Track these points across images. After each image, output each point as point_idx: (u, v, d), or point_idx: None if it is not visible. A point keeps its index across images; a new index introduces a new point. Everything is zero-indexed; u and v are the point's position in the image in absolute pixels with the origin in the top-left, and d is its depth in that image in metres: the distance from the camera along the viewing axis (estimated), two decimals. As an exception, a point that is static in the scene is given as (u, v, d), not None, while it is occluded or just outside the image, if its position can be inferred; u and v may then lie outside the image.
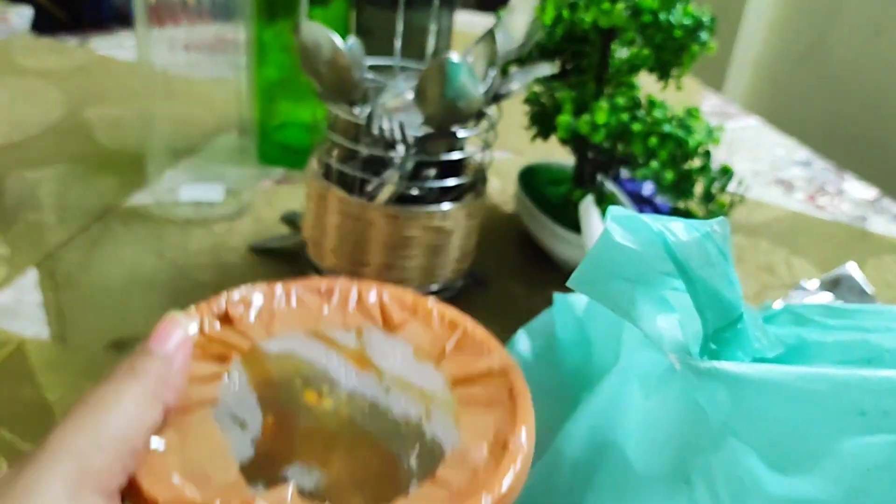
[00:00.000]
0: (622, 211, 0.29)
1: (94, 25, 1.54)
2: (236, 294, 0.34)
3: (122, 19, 1.59)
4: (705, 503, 0.35)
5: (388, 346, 0.33)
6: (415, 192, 0.65)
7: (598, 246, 0.29)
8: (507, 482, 0.27)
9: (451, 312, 0.35)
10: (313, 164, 0.67)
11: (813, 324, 0.38)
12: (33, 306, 0.64)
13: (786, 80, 2.12)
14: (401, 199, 0.63)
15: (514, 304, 0.71)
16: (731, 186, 0.66)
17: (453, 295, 0.69)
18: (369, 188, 0.64)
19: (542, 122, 0.70)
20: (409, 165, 0.63)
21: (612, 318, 0.39)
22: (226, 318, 0.33)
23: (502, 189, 0.89)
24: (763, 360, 0.31)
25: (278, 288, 0.35)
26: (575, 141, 0.69)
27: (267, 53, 0.84)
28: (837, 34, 1.95)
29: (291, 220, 0.78)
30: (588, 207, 0.60)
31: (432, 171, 0.66)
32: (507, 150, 0.96)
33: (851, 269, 0.70)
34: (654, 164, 0.61)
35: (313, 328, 0.33)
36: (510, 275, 0.74)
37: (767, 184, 0.96)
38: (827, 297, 0.68)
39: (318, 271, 0.68)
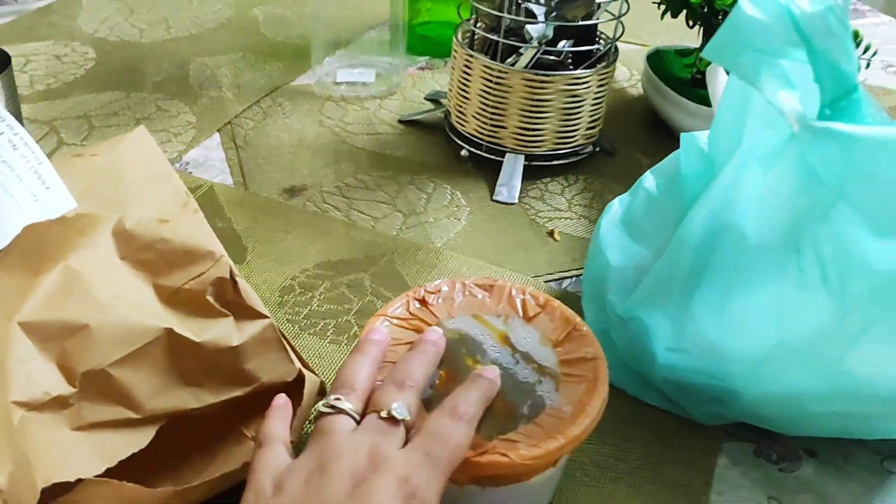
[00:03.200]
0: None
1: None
2: (431, 285, 0.47)
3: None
4: (812, 271, 0.40)
5: (523, 331, 0.45)
6: (552, 59, 0.71)
7: (730, 20, 0.35)
8: (578, 430, 0.39)
9: (568, 311, 0.46)
10: (459, 36, 0.74)
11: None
12: (218, 161, 0.75)
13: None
14: (539, 65, 0.70)
15: (639, 171, 0.75)
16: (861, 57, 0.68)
17: (582, 160, 0.76)
18: (510, 58, 0.71)
19: (673, -2, 0.74)
20: (549, 31, 0.69)
21: (735, 124, 0.45)
22: (423, 302, 0.47)
23: (630, 76, 0.93)
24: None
25: (458, 283, 0.48)
26: (705, 9, 0.73)
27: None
28: None
29: (434, 99, 0.86)
30: (715, 69, 0.65)
31: (569, 43, 0.72)
32: (633, 41, 0.99)
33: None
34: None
35: (476, 313, 0.46)
36: (636, 147, 0.80)
37: (898, 74, 0.97)
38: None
39: (460, 136, 0.76)
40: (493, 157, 0.74)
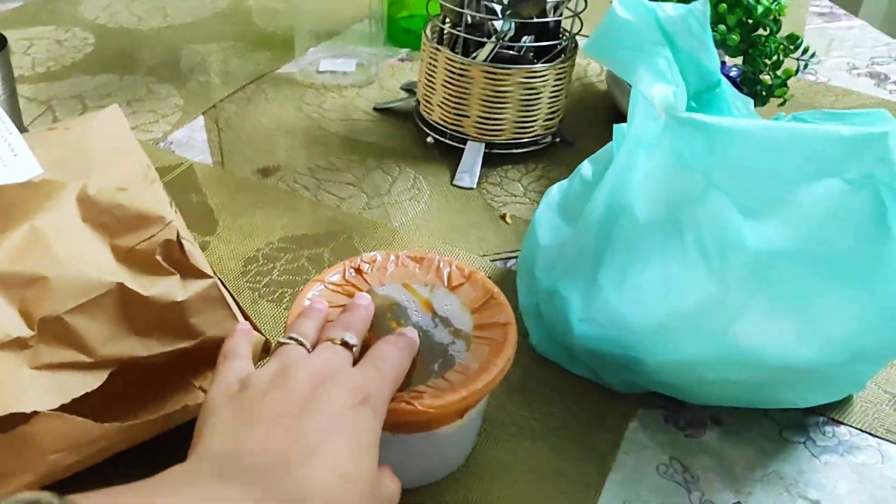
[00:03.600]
0: (628, -3, 0.38)
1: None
2: (367, 255, 0.52)
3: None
4: (693, 249, 0.45)
5: (446, 299, 0.49)
6: (513, 53, 0.75)
7: (605, 21, 0.39)
8: (479, 385, 0.44)
9: (489, 282, 0.50)
10: (428, 30, 0.79)
11: (806, 122, 0.46)
12: (201, 142, 0.81)
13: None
14: (500, 59, 0.74)
15: (596, 162, 0.80)
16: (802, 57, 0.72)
17: (542, 149, 0.80)
18: (476, 52, 0.75)
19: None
20: (507, 27, 0.73)
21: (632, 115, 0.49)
22: (358, 270, 0.51)
23: (601, 71, 0.97)
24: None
25: (392, 255, 0.52)
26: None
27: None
28: None
29: (409, 88, 0.91)
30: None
31: (530, 38, 0.76)
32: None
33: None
34: (721, 27, 0.68)
35: (406, 282, 0.51)
36: (596, 139, 0.83)
37: (860, 76, 0.99)
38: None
39: (427, 124, 0.80)
40: (456, 144, 0.78)
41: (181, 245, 0.47)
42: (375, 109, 0.87)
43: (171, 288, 0.46)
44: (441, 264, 0.52)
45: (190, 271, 0.47)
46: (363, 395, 0.39)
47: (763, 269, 0.43)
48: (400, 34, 1.00)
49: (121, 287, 0.45)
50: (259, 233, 0.68)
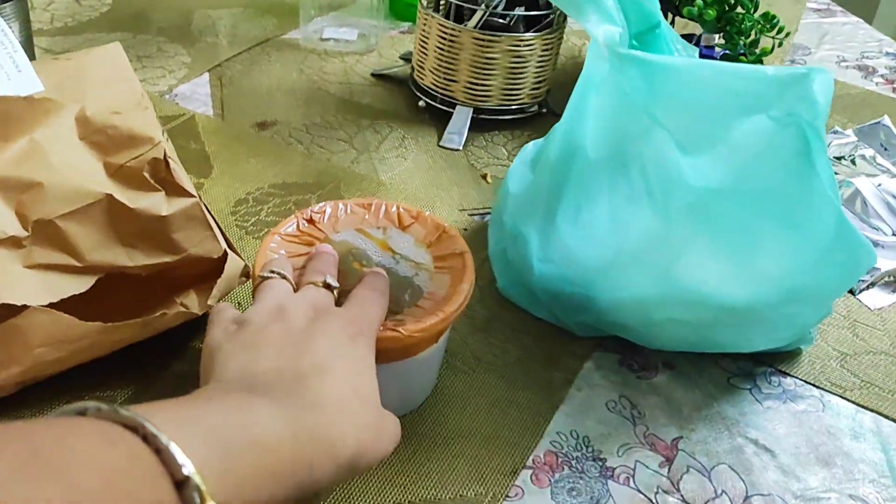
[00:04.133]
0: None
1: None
2: (316, 207, 0.54)
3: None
4: (639, 186, 0.48)
5: (400, 238, 0.52)
6: (503, 22, 0.78)
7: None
8: (450, 309, 0.47)
9: (438, 220, 0.53)
10: (424, 0, 0.82)
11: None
12: (204, 95, 0.84)
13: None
14: (491, 27, 0.77)
15: (580, 132, 0.83)
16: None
17: (529, 118, 0.83)
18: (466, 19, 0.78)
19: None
20: (498, -3, 0.77)
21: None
22: (310, 221, 0.53)
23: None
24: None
25: (341, 204, 0.54)
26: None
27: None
28: None
29: (407, 57, 0.94)
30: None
31: (521, 8, 0.79)
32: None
33: (886, 120, 0.78)
34: (699, 2, 0.71)
35: (359, 227, 0.53)
36: (582, 112, 0.87)
37: (848, 68, 1.02)
38: (852, 138, 0.76)
39: (420, 89, 0.84)
40: (446, 108, 0.82)
41: (167, 164, 0.50)
42: (373, 75, 0.91)
43: (156, 202, 0.50)
44: (388, 208, 0.54)
45: (174, 189, 0.51)
46: (356, 329, 0.41)
47: (703, 207, 0.46)
48: (404, 8, 1.04)
49: (110, 198, 0.49)
50: (251, 178, 0.72)
